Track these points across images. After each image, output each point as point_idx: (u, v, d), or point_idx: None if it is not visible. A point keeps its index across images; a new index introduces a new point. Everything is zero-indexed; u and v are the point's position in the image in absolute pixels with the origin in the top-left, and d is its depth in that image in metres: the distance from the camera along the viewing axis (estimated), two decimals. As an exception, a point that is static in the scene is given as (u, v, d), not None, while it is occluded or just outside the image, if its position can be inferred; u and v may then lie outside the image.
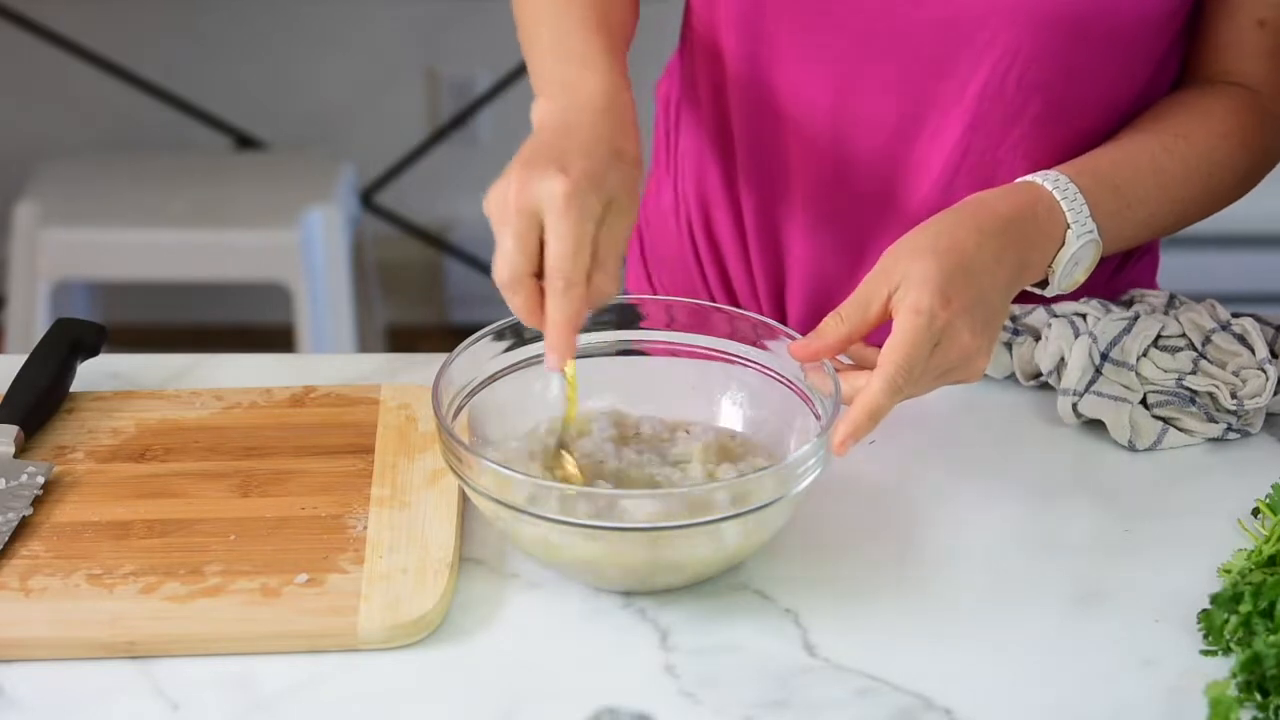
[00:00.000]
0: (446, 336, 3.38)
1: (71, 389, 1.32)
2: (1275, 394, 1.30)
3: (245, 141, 3.27)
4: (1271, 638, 1.04)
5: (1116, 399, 1.28)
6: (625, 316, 1.26)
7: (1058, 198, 1.23)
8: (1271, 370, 1.30)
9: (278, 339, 3.12)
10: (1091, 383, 1.29)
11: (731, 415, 1.24)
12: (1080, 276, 1.26)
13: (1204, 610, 1.10)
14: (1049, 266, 1.24)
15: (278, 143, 3.29)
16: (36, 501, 1.20)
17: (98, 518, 1.19)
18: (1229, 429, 1.29)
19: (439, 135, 3.31)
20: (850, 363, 1.20)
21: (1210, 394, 1.29)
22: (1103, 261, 1.28)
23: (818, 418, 1.17)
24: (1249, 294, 3.25)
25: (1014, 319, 1.35)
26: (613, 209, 1.14)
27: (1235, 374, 1.31)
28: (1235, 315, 1.35)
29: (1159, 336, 1.32)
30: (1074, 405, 1.29)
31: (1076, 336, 1.30)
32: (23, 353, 1.33)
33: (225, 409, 1.31)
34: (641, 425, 1.23)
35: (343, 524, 1.18)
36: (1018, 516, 1.22)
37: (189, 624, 1.10)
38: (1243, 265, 3.37)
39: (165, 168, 3.07)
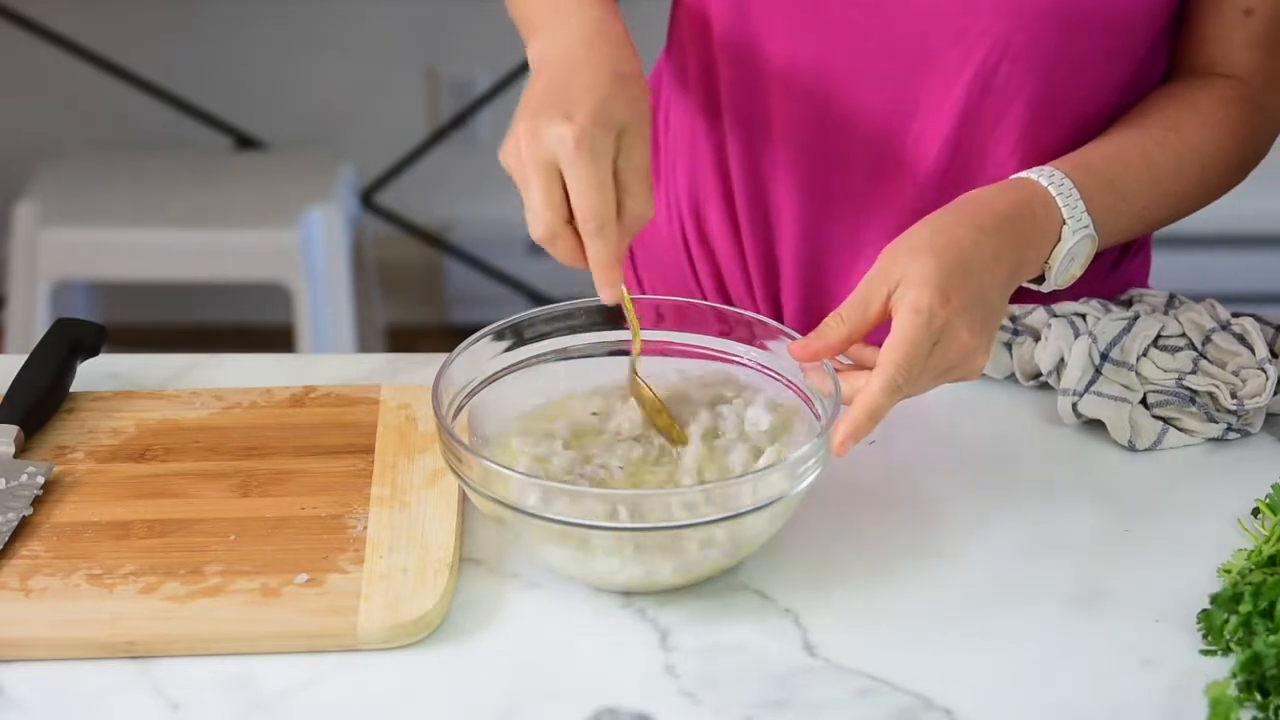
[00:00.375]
0: (446, 336, 3.38)
1: (71, 389, 1.32)
2: (1275, 394, 1.30)
3: (245, 141, 3.27)
4: (1271, 638, 1.04)
5: (1116, 399, 1.28)
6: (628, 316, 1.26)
7: (1053, 193, 1.24)
8: (1271, 370, 1.30)
9: (278, 339, 3.12)
10: (1091, 383, 1.29)
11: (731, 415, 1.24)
12: (1076, 272, 1.26)
13: (1204, 610, 1.10)
14: (1045, 262, 1.24)
15: (278, 143, 3.29)
16: (36, 501, 1.20)
17: (98, 518, 1.19)
18: (1229, 429, 1.29)
19: (439, 135, 3.31)
20: (849, 363, 1.20)
21: (1210, 394, 1.29)
22: (1097, 259, 1.29)
23: (818, 418, 1.18)
24: (1249, 294, 3.25)
25: (1013, 319, 1.35)
26: (626, 136, 1.16)
27: (1235, 374, 1.31)
28: (1235, 315, 1.35)
29: (1159, 336, 1.32)
30: (1074, 405, 1.29)
31: (1076, 336, 1.30)
32: (23, 353, 1.33)
33: (225, 409, 1.31)
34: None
35: (343, 524, 1.18)
36: (1018, 516, 1.22)
37: (189, 624, 1.10)
38: (1242, 265, 3.37)
39: (165, 168, 3.07)
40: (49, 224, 2.88)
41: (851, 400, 1.13)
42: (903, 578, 1.16)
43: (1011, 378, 1.36)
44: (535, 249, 3.36)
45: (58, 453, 1.26)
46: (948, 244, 1.17)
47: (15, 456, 1.24)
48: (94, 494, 1.21)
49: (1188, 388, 1.29)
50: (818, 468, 1.12)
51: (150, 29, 3.25)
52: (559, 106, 1.14)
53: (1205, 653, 1.09)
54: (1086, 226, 1.24)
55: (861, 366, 1.19)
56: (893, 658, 1.09)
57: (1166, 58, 1.37)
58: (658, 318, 1.26)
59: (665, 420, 1.20)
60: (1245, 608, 1.07)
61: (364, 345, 3.11)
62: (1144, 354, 1.31)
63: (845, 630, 1.11)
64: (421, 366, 1.37)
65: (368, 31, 3.28)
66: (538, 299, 3.32)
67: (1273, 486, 1.19)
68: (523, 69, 3.12)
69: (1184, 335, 1.33)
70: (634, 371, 1.21)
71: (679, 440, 1.20)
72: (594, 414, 1.22)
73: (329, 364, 1.41)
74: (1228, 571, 1.15)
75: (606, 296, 1.16)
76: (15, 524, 1.17)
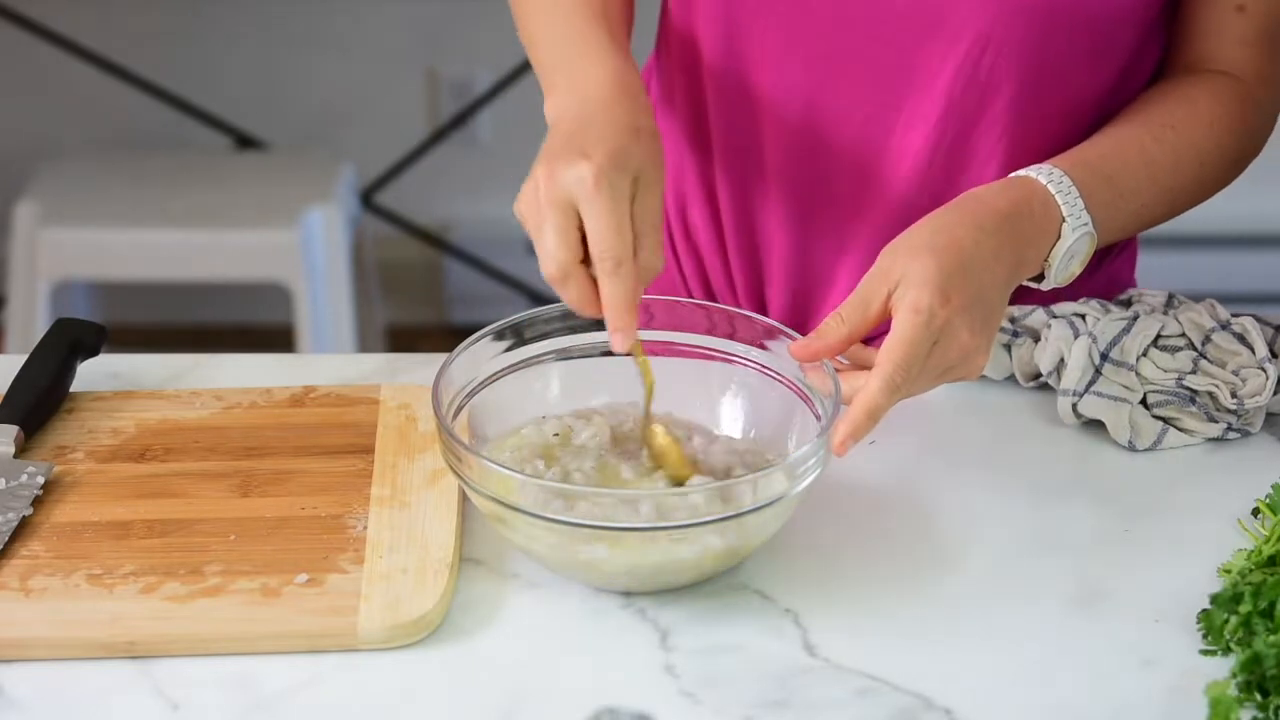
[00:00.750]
0: (446, 336, 3.38)
1: (71, 389, 1.32)
2: (1275, 393, 1.30)
3: (245, 141, 3.27)
4: (1271, 638, 1.04)
5: (1116, 399, 1.28)
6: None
7: (1052, 191, 1.24)
8: (1271, 369, 1.30)
9: (278, 339, 3.12)
10: (1091, 383, 1.29)
11: (731, 415, 1.24)
12: (1076, 269, 1.26)
13: (1204, 610, 1.10)
14: (1045, 261, 1.24)
15: (278, 143, 3.29)
16: (36, 501, 1.20)
17: (98, 518, 1.19)
18: (1229, 429, 1.29)
19: (439, 135, 3.31)
20: (848, 364, 1.20)
21: (1210, 393, 1.29)
22: None
23: (818, 418, 1.17)
24: (1248, 294, 3.25)
25: (1013, 320, 1.35)
26: (641, 184, 1.15)
27: (1235, 373, 1.31)
28: (1235, 315, 1.35)
29: (1159, 336, 1.32)
30: (1074, 405, 1.29)
31: (1076, 337, 1.30)
32: (23, 353, 1.33)
33: (225, 409, 1.31)
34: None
35: (343, 524, 1.18)
36: (1018, 516, 1.22)
37: (189, 624, 1.10)
38: (1240, 265, 3.37)
39: (165, 168, 3.07)
40: (49, 224, 2.88)
41: (851, 400, 1.13)
42: (903, 577, 1.16)
43: (1011, 378, 1.36)
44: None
45: (58, 453, 1.26)
46: (948, 243, 1.17)
47: (15, 456, 1.24)
48: (94, 494, 1.21)
49: (1188, 387, 1.29)
50: (818, 468, 1.12)
51: (150, 29, 3.25)
52: (578, 150, 1.14)
53: (1205, 653, 1.09)
54: (1086, 224, 1.24)
55: (861, 367, 1.19)
56: (893, 658, 1.09)
57: (1156, 57, 1.37)
58: (650, 316, 1.26)
59: (675, 463, 1.18)
60: (1245, 608, 1.07)
61: (364, 345, 3.12)
62: (1144, 354, 1.31)
63: (845, 630, 1.11)
64: (421, 366, 1.37)
65: (368, 31, 3.28)
66: (538, 299, 3.32)
67: (1273, 486, 1.19)
68: (523, 69, 3.12)
69: (1184, 335, 1.33)
70: (647, 417, 1.19)
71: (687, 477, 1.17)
72: (555, 435, 1.21)
73: (329, 364, 1.41)
74: (1228, 571, 1.15)
75: (619, 343, 1.13)
76: (15, 524, 1.17)
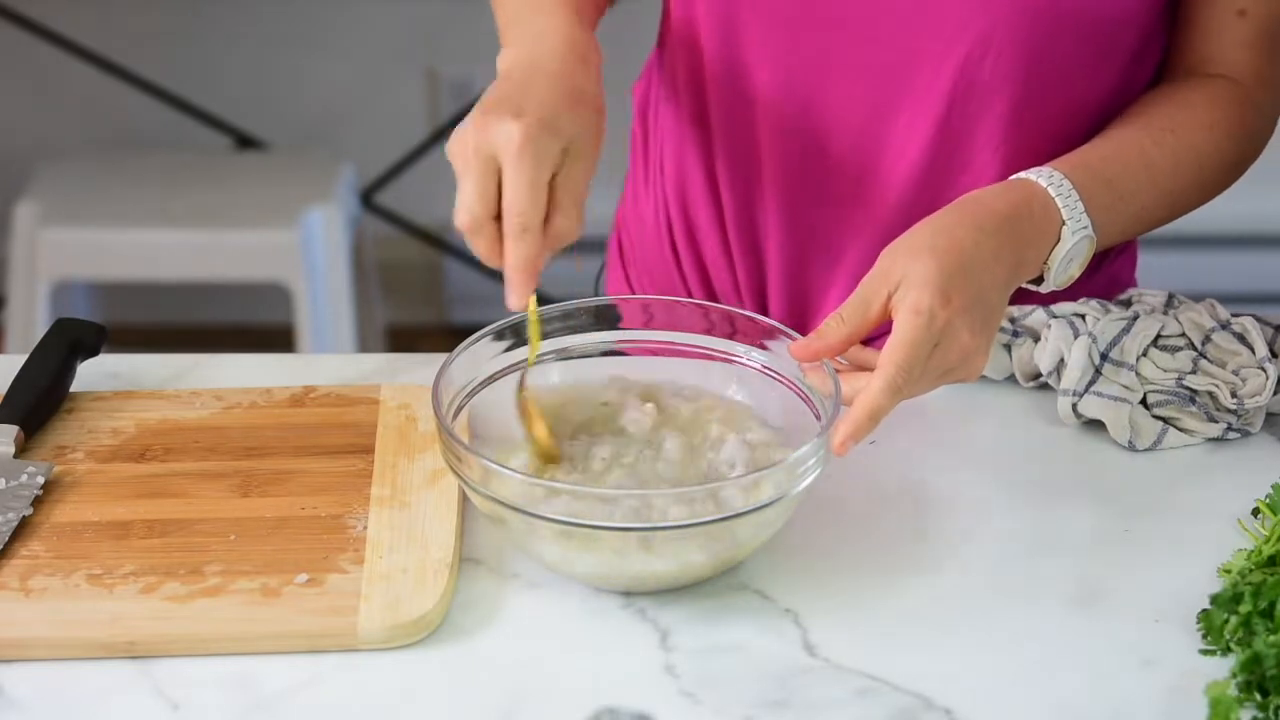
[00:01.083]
0: (446, 336, 3.38)
1: (71, 389, 1.32)
2: (1275, 393, 1.30)
3: (245, 141, 3.27)
4: (1271, 638, 1.04)
5: (1116, 399, 1.28)
6: (624, 317, 1.26)
7: (1052, 194, 1.24)
8: (1271, 369, 1.30)
9: (278, 339, 3.12)
10: (1091, 383, 1.29)
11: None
12: (1075, 272, 1.26)
13: (1204, 610, 1.10)
14: (1044, 263, 1.24)
15: (278, 143, 3.29)
16: (36, 501, 1.20)
17: (98, 518, 1.19)
18: (1229, 428, 1.29)
19: (439, 135, 3.31)
20: (848, 365, 1.21)
21: (1210, 393, 1.29)
22: None
23: (818, 418, 1.17)
24: (1248, 294, 3.24)
25: (1013, 320, 1.35)
26: (571, 153, 1.16)
27: (1235, 373, 1.31)
28: (1235, 315, 1.35)
29: (1158, 336, 1.32)
30: (1074, 405, 1.29)
31: (1076, 337, 1.30)
32: (23, 353, 1.33)
33: (225, 409, 1.31)
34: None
35: (343, 524, 1.18)
36: (1018, 516, 1.22)
37: (189, 624, 1.10)
38: (1240, 265, 3.37)
39: (165, 168, 3.06)
40: (49, 224, 2.87)
41: (852, 401, 1.13)
42: (903, 578, 1.16)
43: (1011, 379, 1.36)
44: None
45: (58, 453, 1.26)
46: (948, 245, 1.17)
47: (15, 456, 1.24)
48: (94, 494, 1.21)
49: (1188, 387, 1.29)
50: (818, 468, 1.12)
51: (150, 29, 3.25)
52: (512, 107, 1.15)
53: (1205, 652, 1.09)
54: (1085, 227, 1.24)
55: (861, 368, 1.19)
56: (893, 658, 1.09)
57: (1157, 60, 1.37)
58: (650, 316, 1.26)
59: (542, 435, 1.19)
60: (1245, 608, 1.07)
61: (364, 345, 3.11)
62: (1144, 354, 1.31)
63: (845, 630, 1.11)
64: (421, 366, 1.37)
65: (368, 31, 3.28)
66: (537, 299, 3.31)
67: (1273, 486, 1.19)
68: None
69: (1184, 335, 1.33)
70: (521, 385, 1.20)
71: (548, 458, 1.18)
72: (604, 404, 1.22)
73: (329, 364, 1.41)
74: (1228, 571, 1.15)
75: (513, 301, 1.15)
76: (15, 524, 1.17)
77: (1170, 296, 1.37)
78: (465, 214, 1.15)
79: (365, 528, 1.17)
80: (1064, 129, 1.34)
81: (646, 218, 1.51)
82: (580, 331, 1.26)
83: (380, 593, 1.11)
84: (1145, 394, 1.30)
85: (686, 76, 1.42)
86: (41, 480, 1.21)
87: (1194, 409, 1.29)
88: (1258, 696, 1.04)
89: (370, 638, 1.09)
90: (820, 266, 1.42)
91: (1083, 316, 1.32)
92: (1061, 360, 1.31)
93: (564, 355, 1.26)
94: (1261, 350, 1.32)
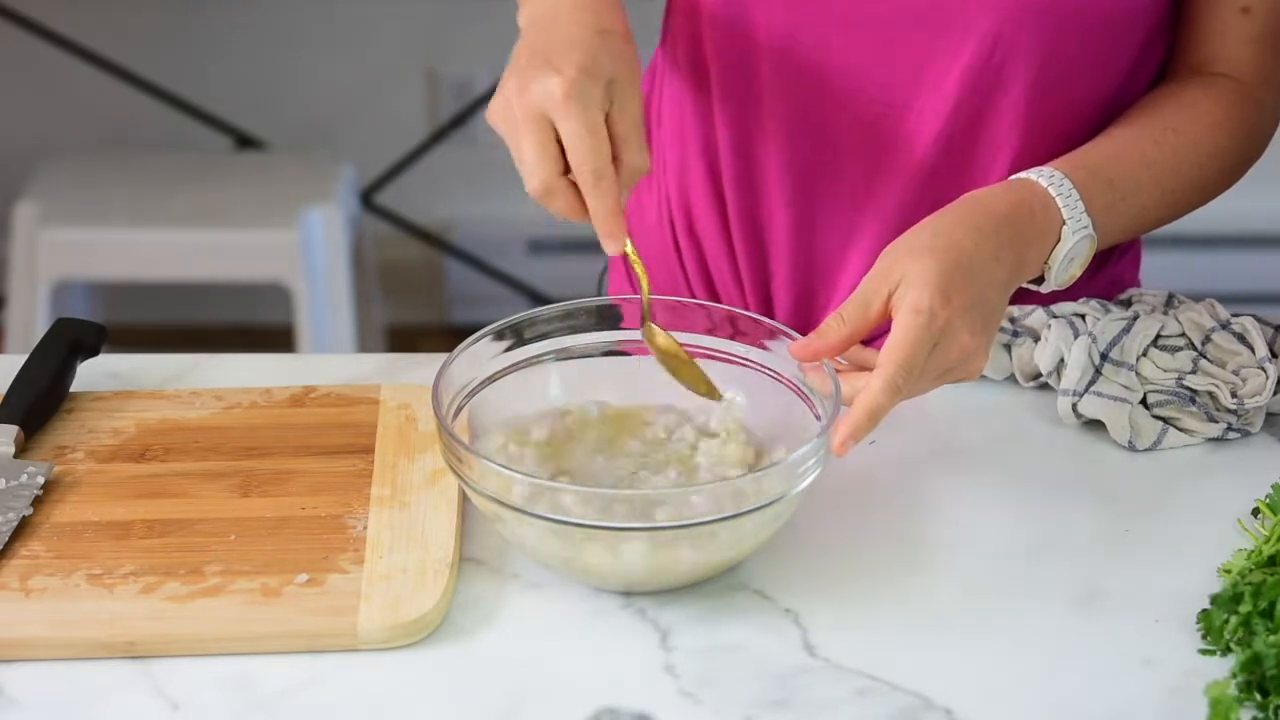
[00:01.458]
0: (446, 336, 3.38)
1: (71, 389, 1.32)
2: (1275, 393, 1.30)
3: (245, 141, 3.27)
4: (1271, 638, 1.04)
5: (1116, 399, 1.28)
6: (625, 317, 1.26)
7: (1053, 194, 1.24)
8: (1271, 369, 1.30)
9: (278, 339, 3.12)
10: (1091, 383, 1.29)
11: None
12: (1076, 272, 1.26)
13: (1204, 610, 1.10)
14: (1045, 263, 1.24)
15: (278, 143, 3.29)
16: (36, 501, 1.20)
17: (98, 518, 1.19)
18: (1229, 428, 1.29)
19: (439, 135, 3.31)
20: (848, 365, 1.20)
21: (1210, 393, 1.29)
22: None
23: (818, 418, 1.17)
24: (1248, 294, 3.24)
25: (1013, 320, 1.35)
26: (616, 87, 1.16)
27: (1235, 373, 1.31)
28: (1235, 315, 1.35)
29: (1158, 336, 1.32)
30: (1074, 405, 1.29)
31: (1076, 337, 1.30)
32: (23, 353, 1.33)
33: (225, 409, 1.31)
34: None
35: (343, 524, 1.18)
36: (1018, 516, 1.22)
37: (189, 624, 1.10)
38: (1241, 265, 3.37)
39: (165, 168, 3.06)
40: (49, 224, 2.87)
41: (852, 401, 1.13)
42: (903, 578, 1.16)
43: (1011, 379, 1.36)
44: (535, 249, 3.37)
45: (58, 453, 1.26)
46: (948, 245, 1.17)
47: (15, 456, 1.24)
48: (94, 494, 1.21)
49: (1188, 387, 1.29)
50: (818, 468, 1.12)
51: (150, 29, 3.25)
52: (546, 61, 1.15)
53: (1205, 652, 1.09)
54: (1086, 227, 1.24)
55: (861, 368, 1.19)
56: (893, 658, 1.09)
57: (1161, 57, 1.37)
58: (651, 316, 1.26)
59: (692, 373, 1.20)
60: (1245, 608, 1.07)
61: (364, 345, 3.11)
62: (1144, 354, 1.31)
63: (845, 630, 1.11)
64: (421, 366, 1.37)
65: (368, 31, 3.28)
66: (538, 299, 3.32)
67: (1273, 486, 1.19)
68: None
69: (1184, 335, 1.33)
70: (648, 321, 1.21)
71: (712, 394, 1.20)
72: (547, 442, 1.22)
73: (329, 364, 1.41)
74: (1228, 571, 1.15)
75: (610, 247, 1.15)
76: (15, 524, 1.17)
77: (1170, 296, 1.37)
78: (535, 179, 1.14)
79: (365, 528, 1.17)
80: (1071, 126, 1.34)
81: (649, 216, 1.51)
82: (579, 331, 1.26)
83: (380, 593, 1.11)
84: (1145, 394, 1.30)
85: (691, 71, 1.42)
86: (41, 480, 1.21)
87: (1194, 409, 1.29)
88: (1258, 696, 1.04)
89: (370, 638, 1.09)
90: (826, 264, 1.42)
91: (1083, 316, 1.32)
92: (1061, 360, 1.31)
93: (564, 355, 1.26)
94: (1261, 350, 1.32)
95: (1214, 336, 1.33)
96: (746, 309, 1.32)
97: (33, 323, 2.87)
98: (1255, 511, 1.21)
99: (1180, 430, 1.29)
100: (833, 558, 1.18)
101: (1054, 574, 1.17)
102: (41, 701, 1.06)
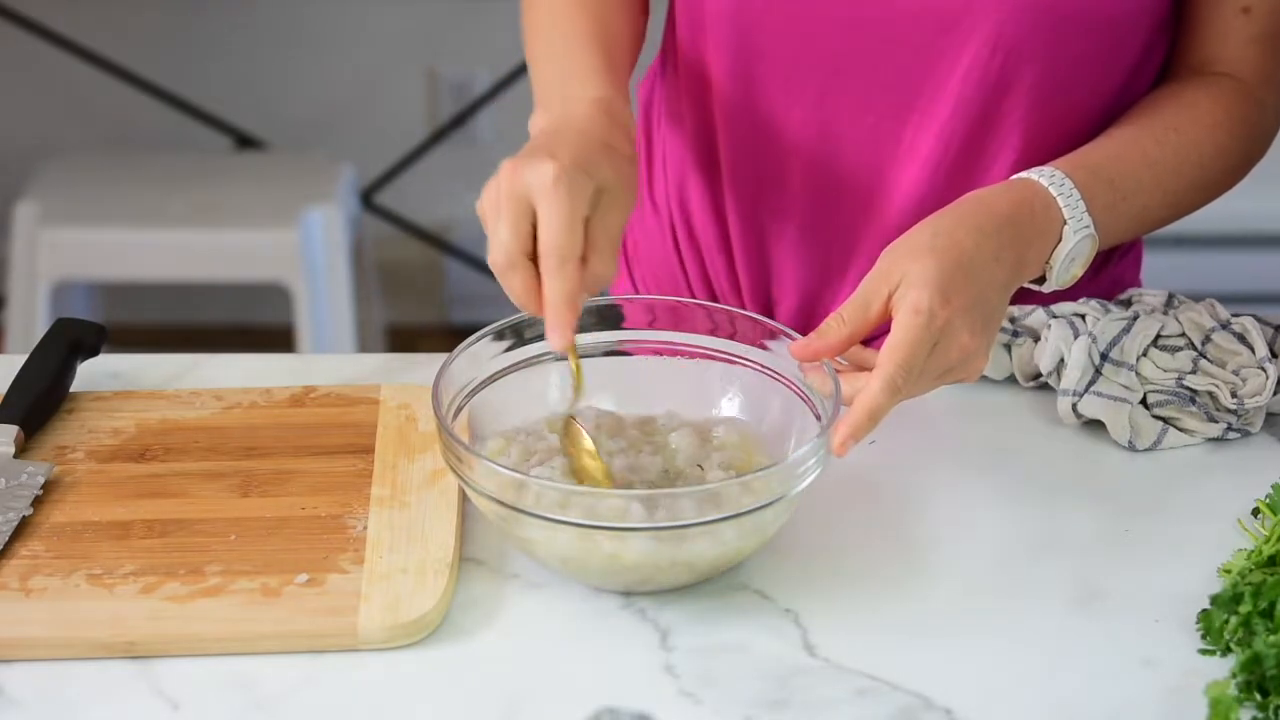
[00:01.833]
0: (446, 336, 3.38)
1: (71, 389, 1.32)
2: (1275, 393, 1.30)
3: (245, 141, 3.27)
4: (1271, 638, 1.04)
5: (1116, 399, 1.28)
6: (625, 316, 1.26)
7: (1054, 194, 1.24)
8: (1271, 369, 1.30)
9: (278, 339, 3.12)
10: (1091, 383, 1.29)
11: (731, 415, 1.24)
12: (1077, 272, 1.26)
13: (1204, 610, 1.10)
14: (1046, 263, 1.24)
15: (278, 143, 3.29)
16: (36, 501, 1.20)
17: (98, 518, 1.19)
18: (1229, 429, 1.29)
19: (439, 135, 3.31)
20: (848, 365, 1.20)
21: (1210, 393, 1.29)
22: None
23: (818, 418, 1.17)
24: (1249, 294, 3.25)
25: (1013, 320, 1.35)
26: (606, 196, 1.15)
27: (1235, 373, 1.31)
28: (1235, 315, 1.35)
29: (1158, 336, 1.32)
30: (1074, 405, 1.29)
31: (1076, 337, 1.30)
32: (23, 353, 1.33)
33: (225, 409, 1.31)
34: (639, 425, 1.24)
35: (343, 524, 1.18)
36: (1018, 516, 1.22)
37: (189, 624, 1.10)
38: (1241, 265, 3.37)
39: (165, 168, 3.07)
40: (49, 224, 2.88)
41: (852, 401, 1.13)
42: (902, 578, 1.16)
43: (1011, 379, 1.36)
44: (535, 249, 3.37)
45: (58, 453, 1.26)
46: (948, 245, 1.17)
47: (15, 456, 1.24)
48: (94, 494, 1.21)
49: (1188, 387, 1.29)
50: (818, 468, 1.12)
51: (150, 29, 3.25)
52: (544, 151, 1.14)
53: (1205, 652, 1.09)
54: (1087, 227, 1.24)
55: (861, 368, 1.19)
56: (893, 658, 1.09)
57: (1163, 58, 1.37)
58: (653, 316, 1.26)
59: (594, 467, 1.17)
60: (1245, 608, 1.07)
61: (364, 345, 3.12)
62: (1144, 354, 1.31)
63: (845, 630, 1.11)
64: (421, 366, 1.37)
65: (368, 31, 3.28)
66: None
67: (1273, 486, 1.19)
68: (522, 69, 3.12)
69: (1184, 335, 1.33)
70: (570, 421, 1.19)
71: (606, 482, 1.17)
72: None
73: (329, 364, 1.41)
74: (1228, 571, 1.15)
75: (555, 340, 1.12)
76: (15, 524, 1.17)
77: (1170, 296, 1.37)
78: (499, 252, 1.13)
79: (365, 528, 1.17)
80: (1073, 127, 1.34)
81: (650, 217, 1.51)
82: (583, 331, 1.25)
83: (380, 593, 1.11)
84: (1145, 394, 1.30)
85: (691, 92, 1.42)
86: (41, 480, 1.21)
87: (1194, 409, 1.29)
88: (1258, 696, 1.04)
89: (370, 638, 1.09)
90: (831, 271, 1.42)
91: (1083, 316, 1.32)
92: (1061, 360, 1.31)
93: (562, 356, 1.25)
94: (1261, 350, 1.32)
95: (1214, 336, 1.33)
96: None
97: (33, 323, 2.87)
98: (1255, 511, 1.21)
99: (1180, 430, 1.29)
100: (833, 558, 1.18)
101: (1054, 574, 1.17)
102: (41, 701, 1.06)
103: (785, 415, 1.22)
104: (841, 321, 1.16)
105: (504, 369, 1.23)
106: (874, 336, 1.17)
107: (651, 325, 1.26)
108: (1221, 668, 1.07)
